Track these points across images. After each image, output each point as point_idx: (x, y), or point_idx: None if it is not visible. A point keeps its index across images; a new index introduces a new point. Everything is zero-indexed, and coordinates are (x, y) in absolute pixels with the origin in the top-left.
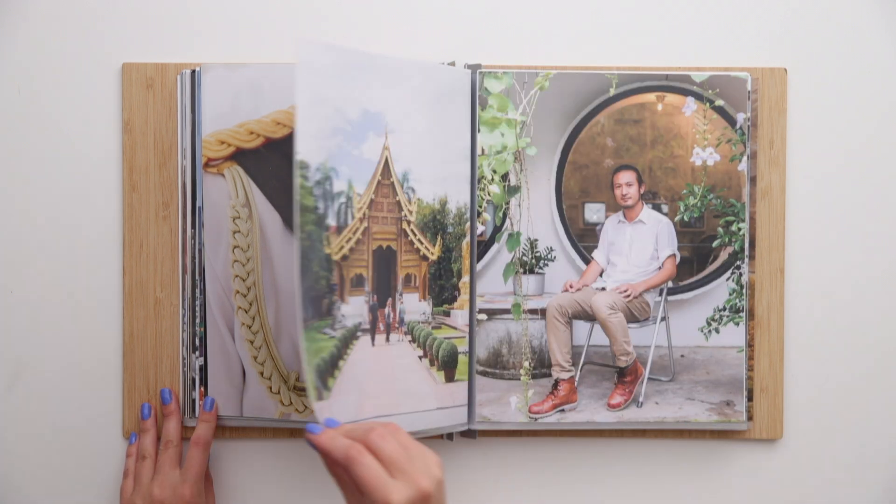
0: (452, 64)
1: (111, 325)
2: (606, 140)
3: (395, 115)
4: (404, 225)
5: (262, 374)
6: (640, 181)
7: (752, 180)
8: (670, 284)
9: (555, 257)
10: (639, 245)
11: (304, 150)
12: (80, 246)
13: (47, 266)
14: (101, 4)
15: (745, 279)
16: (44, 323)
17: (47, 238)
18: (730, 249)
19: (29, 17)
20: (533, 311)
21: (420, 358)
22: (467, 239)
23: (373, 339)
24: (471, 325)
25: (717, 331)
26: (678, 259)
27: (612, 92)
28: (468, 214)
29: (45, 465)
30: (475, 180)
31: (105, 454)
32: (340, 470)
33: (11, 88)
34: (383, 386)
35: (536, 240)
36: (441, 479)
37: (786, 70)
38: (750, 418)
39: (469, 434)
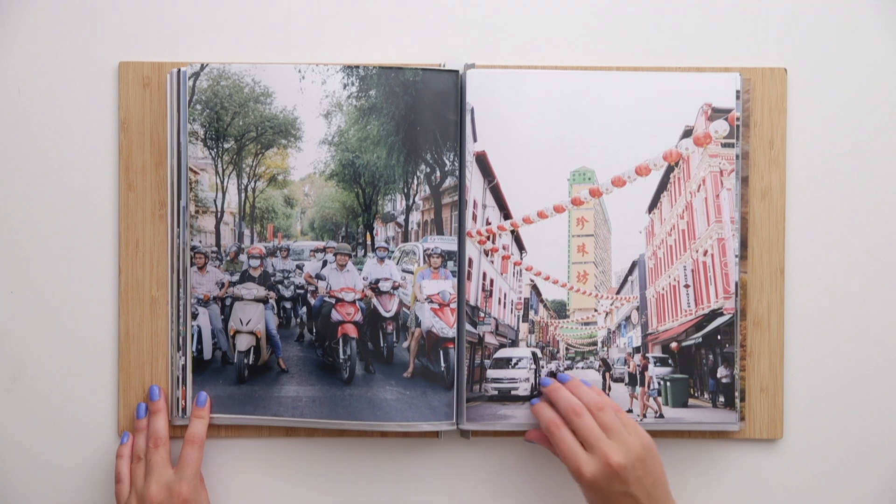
0: (442, 65)
1: (107, 324)
2: None
3: None
4: None
5: None
6: None
7: (745, 180)
8: None
9: None
10: None
11: None
12: (77, 245)
13: (43, 265)
14: (99, 4)
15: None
16: (40, 322)
17: (44, 237)
18: None
19: (27, 16)
20: None
21: None
22: None
23: None
24: (459, 326)
25: None
26: None
27: None
28: None
29: (42, 463)
30: (463, 180)
31: (101, 452)
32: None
33: (11, 88)
34: None
35: None
36: (642, 454)
37: (786, 70)
38: (742, 418)
39: (463, 434)
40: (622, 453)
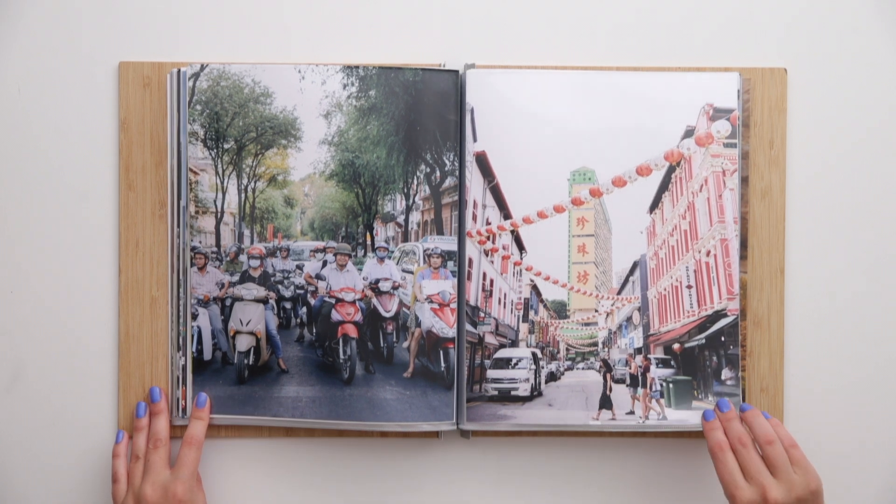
0: (442, 65)
1: (107, 324)
2: None
3: None
4: None
5: None
6: None
7: (745, 180)
8: None
9: None
10: None
11: None
12: (77, 244)
13: (43, 265)
14: (99, 4)
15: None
16: (40, 322)
17: (44, 237)
18: None
19: (27, 16)
20: None
21: None
22: None
23: None
24: (459, 326)
25: None
26: None
27: None
28: None
29: (42, 463)
30: (463, 180)
31: (101, 453)
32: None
33: (11, 88)
34: None
35: None
36: (804, 497)
37: (786, 70)
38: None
39: (463, 434)
40: (782, 492)
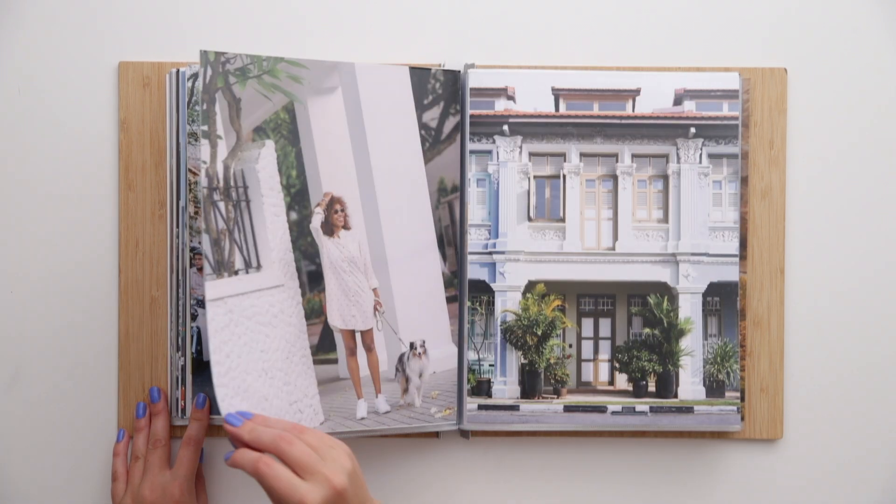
0: (442, 65)
1: (107, 324)
2: None
3: None
4: None
5: None
6: None
7: (744, 180)
8: None
9: None
10: None
11: None
12: (77, 245)
13: (43, 265)
14: (99, 4)
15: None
16: (40, 322)
17: (44, 237)
18: None
19: (27, 16)
20: None
21: None
22: None
23: None
24: (460, 326)
25: None
26: None
27: None
28: None
29: (42, 463)
30: (465, 182)
31: (101, 453)
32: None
33: (11, 88)
34: None
35: None
36: (352, 468)
37: (786, 70)
38: (742, 418)
39: (463, 434)
40: (341, 473)
